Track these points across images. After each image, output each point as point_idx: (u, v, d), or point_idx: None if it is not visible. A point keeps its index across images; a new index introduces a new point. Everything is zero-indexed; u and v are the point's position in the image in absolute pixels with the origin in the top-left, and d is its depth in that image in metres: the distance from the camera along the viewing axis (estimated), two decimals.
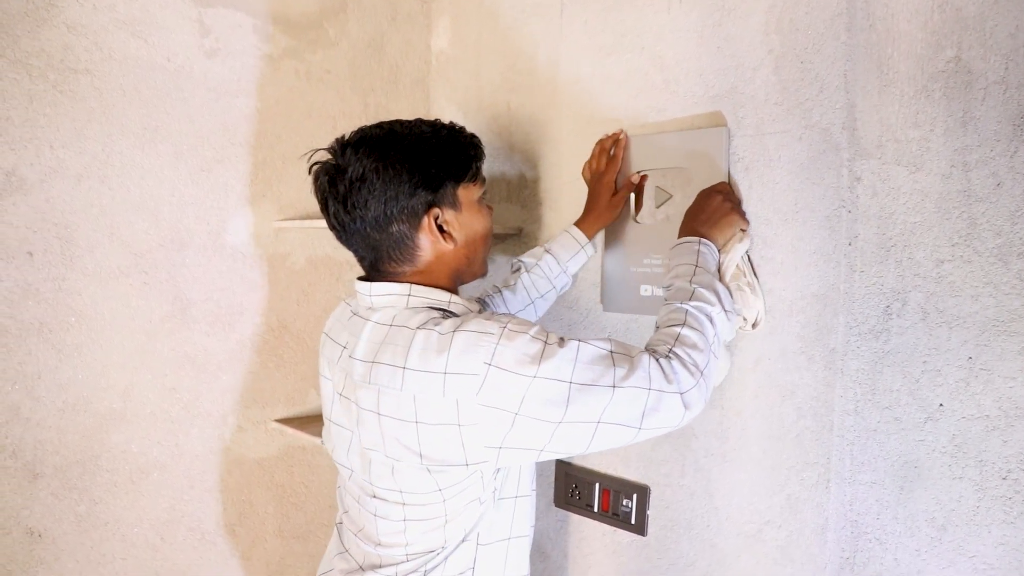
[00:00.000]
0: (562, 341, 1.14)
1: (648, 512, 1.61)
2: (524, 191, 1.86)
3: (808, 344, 1.37)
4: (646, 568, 1.63)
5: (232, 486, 1.81)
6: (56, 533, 1.59)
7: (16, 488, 1.54)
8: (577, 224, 1.62)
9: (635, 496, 1.61)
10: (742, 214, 1.42)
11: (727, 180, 1.46)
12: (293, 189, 1.84)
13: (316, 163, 1.28)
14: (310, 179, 1.28)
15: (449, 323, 1.15)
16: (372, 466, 1.23)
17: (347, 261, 1.94)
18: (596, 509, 1.69)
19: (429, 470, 1.17)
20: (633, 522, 1.62)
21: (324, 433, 1.38)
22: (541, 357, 1.10)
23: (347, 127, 1.88)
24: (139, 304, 1.65)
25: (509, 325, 1.13)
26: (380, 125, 1.27)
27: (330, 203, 1.25)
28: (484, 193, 1.34)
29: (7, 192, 1.50)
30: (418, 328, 1.16)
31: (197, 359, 1.73)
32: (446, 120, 1.32)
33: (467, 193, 1.29)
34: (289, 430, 1.81)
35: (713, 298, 1.27)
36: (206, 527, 1.79)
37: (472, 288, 1.76)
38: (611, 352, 1.14)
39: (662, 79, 1.57)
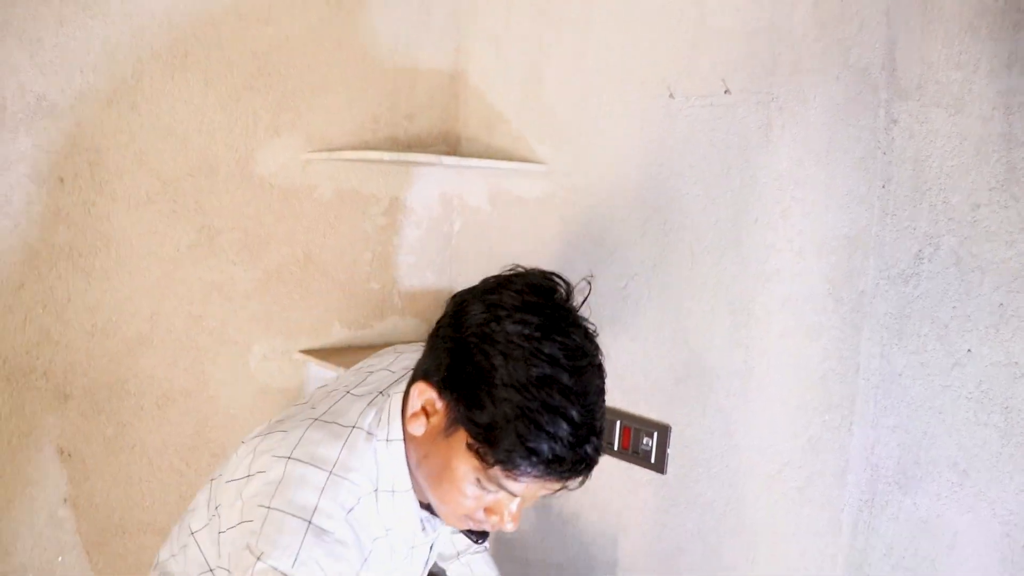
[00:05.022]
0: None
1: (668, 451, 1.62)
2: (553, 127, 1.84)
3: (836, 286, 1.36)
4: (665, 506, 1.64)
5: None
6: (85, 454, 1.62)
7: (47, 408, 1.57)
8: None
9: (655, 435, 1.62)
10: None
11: None
12: (322, 120, 1.82)
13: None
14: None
15: (323, 499, 0.96)
16: None
17: (373, 195, 1.93)
18: (616, 447, 1.70)
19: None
20: (653, 461, 1.63)
21: None
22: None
23: (376, 57, 1.87)
24: (167, 231, 1.66)
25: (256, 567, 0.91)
26: (561, 340, 0.94)
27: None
28: (508, 494, 0.98)
29: (38, 116, 1.50)
30: (334, 467, 0.99)
31: (223, 288, 1.74)
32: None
33: (467, 458, 0.96)
34: (313, 361, 1.83)
35: None
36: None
37: None
38: None
39: (698, 13, 1.54)
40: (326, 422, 1.05)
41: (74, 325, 1.58)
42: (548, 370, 0.91)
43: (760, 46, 1.44)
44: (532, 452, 0.90)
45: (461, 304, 0.99)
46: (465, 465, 0.96)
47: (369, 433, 1.04)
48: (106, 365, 1.62)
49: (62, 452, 1.59)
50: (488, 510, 1.00)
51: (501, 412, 0.90)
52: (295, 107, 1.79)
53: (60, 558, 1.62)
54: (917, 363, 1.28)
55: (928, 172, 1.26)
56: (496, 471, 0.93)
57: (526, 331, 0.92)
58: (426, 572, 1.26)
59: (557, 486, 0.97)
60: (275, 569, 0.89)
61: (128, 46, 1.57)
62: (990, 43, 1.19)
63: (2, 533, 1.56)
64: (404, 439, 1.03)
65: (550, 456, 0.90)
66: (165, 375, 1.69)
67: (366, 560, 0.98)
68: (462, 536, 1.38)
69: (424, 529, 1.12)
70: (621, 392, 1.71)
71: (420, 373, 1.02)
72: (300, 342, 1.89)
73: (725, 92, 1.50)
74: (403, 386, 1.07)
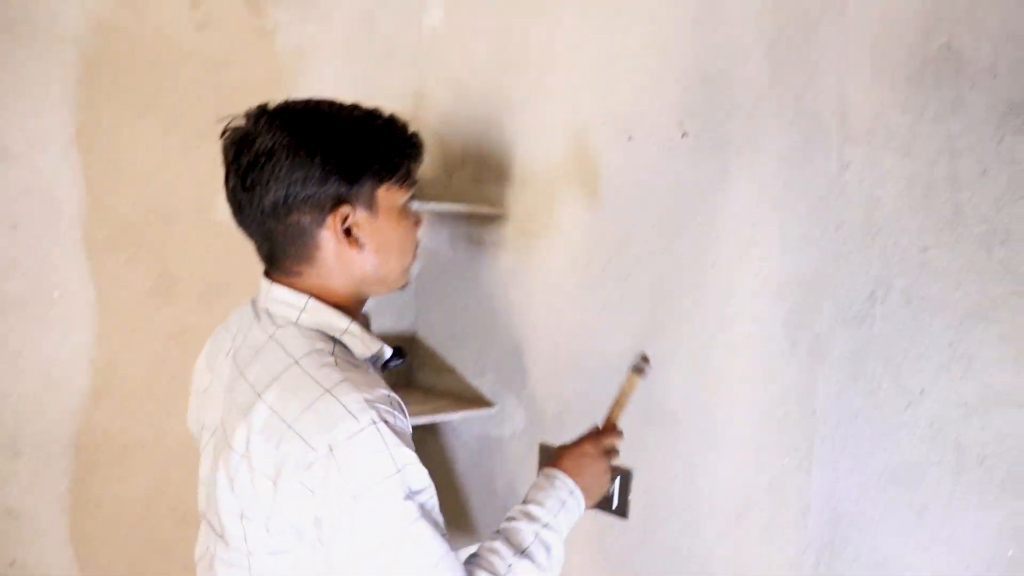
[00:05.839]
0: (414, 494, 0.98)
1: (630, 496, 1.61)
2: (512, 171, 1.85)
3: (793, 329, 1.38)
4: (628, 551, 1.63)
5: None
6: (36, 512, 1.57)
7: None
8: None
9: (618, 479, 1.62)
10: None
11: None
12: None
13: (229, 129, 1.10)
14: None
15: (331, 373, 1.00)
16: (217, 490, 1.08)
17: None
18: None
19: (242, 515, 1.04)
20: (615, 506, 1.62)
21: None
22: (379, 484, 0.95)
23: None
24: (124, 279, 1.63)
25: (380, 425, 0.97)
26: (308, 100, 1.11)
27: (230, 177, 1.09)
28: (411, 199, 1.17)
29: None
30: (297, 361, 1.02)
31: (182, 335, 1.72)
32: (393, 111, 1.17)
33: (389, 196, 1.12)
34: None
35: (545, 563, 1.12)
36: (190, 504, 1.78)
37: None
38: (441, 558, 0.98)
39: (656, 61, 1.56)
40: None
41: (27, 378, 1.54)
42: (358, 112, 1.11)
43: (716, 91, 1.47)
44: (403, 145, 1.13)
45: (267, 151, 1.05)
46: (399, 207, 1.14)
47: (280, 327, 1.09)
48: (59, 418, 1.58)
49: (10, 513, 1.54)
50: (416, 226, 1.18)
51: (367, 149, 1.08)
52: None
53: None
54: (872, 404, 1.29)
55: (879, 215, 1.28)
56: (405, 182, 1.13)
57: (318, 111, 1.09)
58: None
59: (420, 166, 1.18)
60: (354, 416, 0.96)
61: (86, 91, 1.56)
62: (935, 89, 1.22)
63: None
64: (313, 290, 1.10)
65: (410, 139, 1.14)
66: (121, 427, 1.66)
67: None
68: None
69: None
70: None
71: (308, 222, 1.07)
72: None
73: (683, 135, 1.52)
74: (267, 289, 1.13)
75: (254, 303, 1.17)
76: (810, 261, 1.36)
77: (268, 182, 1.04)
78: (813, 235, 1.35)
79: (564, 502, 1.20)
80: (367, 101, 1.91)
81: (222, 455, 1.05)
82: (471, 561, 1.07)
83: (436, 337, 2.05)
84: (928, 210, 1.23)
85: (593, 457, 1.29)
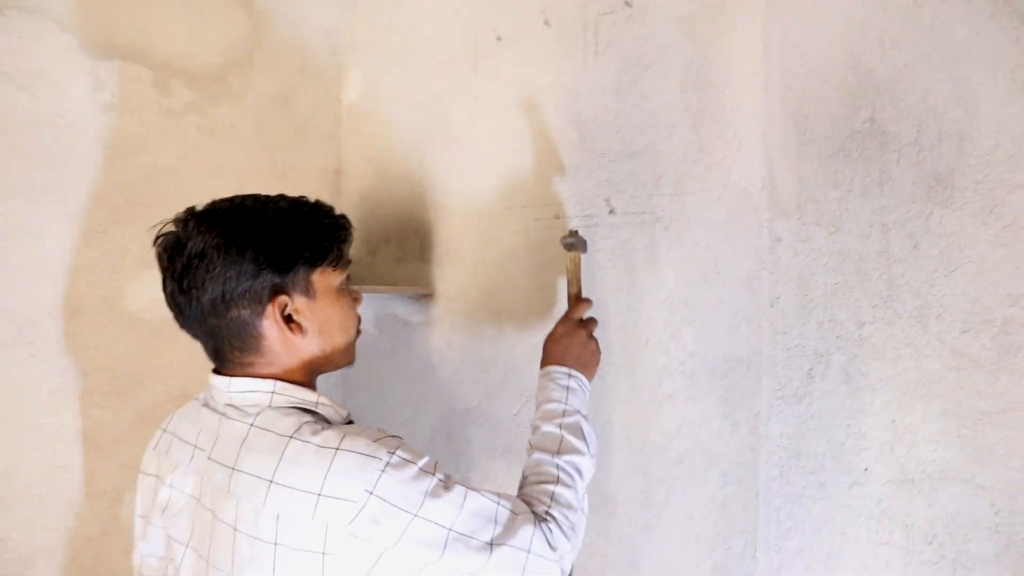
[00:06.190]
0: (449, 481, 1.07)
1: None
2: (438, 249, 1.80)
3: (732, 408, 1.34)
4: None
5: (129, 572, 1.68)
6: None
7: None
8: None
9: None
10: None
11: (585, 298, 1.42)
12: None
13: (160, 235, 1.14)
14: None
15: (330, 435, 1.04)
16: None
17: None
18: None
19: None
20: None
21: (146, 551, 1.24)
22: (427, 494, 1.03)
23: (253, 185, 1.79)
24: (25, 377, 1.53)
25: (398, 452, 1.04)
26: (233, 198, 1.16)
27: (167, 282, 1.12)
28: (346, 279, 1.22)
29: None
30: (292, 436, 1.05)
31: (91, 433, 1.61)
32: (320, 197, 1.22)
33: (324, 279, 1.16)
34: None
35: (583, 446, 1.22)
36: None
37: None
38: (498, 506, 1.08)
39: (578, 136, 1.54)
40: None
41: None
42: (283, 203, 1.16)
43: (642, 167, 1.45)
44: (331, 229, 1.17)
45: (198, 256, 1.09)
46: (335, 288, 1.18)
47: (256, 414, 1.11)
48: None
49: None
50: (355, 303, 1.25)
51: (296, 238, 1.12)
52: None
53: None
54: (816, 483, 1.26)
55: (814, 290, 1.26)
56: (338, 264, 1.17)
57: (242, 208, 1.14)
58: None
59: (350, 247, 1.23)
60: (367, 457, 1.02)
61: None
62: (861, 163, 1.21)
63: None
64: (275, 375, 1.14)
65: (337, 222, 1.19)
66: (22, 535, 1.53)
67: None
68: None
69: None
70: None
71: (248, 315, 1.10)
72: None
73: (610, 212, 1.49)
74: (226, 385, 1.14)
75: (207, 404, 1.18)
76: (746, 339, 1.33)
77: (204, 282, 1.09)
78: (748, 312, 1.33)
79: (567, 387, 1.29)
80: (285, 180, 1.88)
81: (250, 552, 1.04)
82: (523, 485, 1.18)
83: (364, 420, 1.97)
84: (863, 285, 1.22)
85: (570, 334, 1.36)
